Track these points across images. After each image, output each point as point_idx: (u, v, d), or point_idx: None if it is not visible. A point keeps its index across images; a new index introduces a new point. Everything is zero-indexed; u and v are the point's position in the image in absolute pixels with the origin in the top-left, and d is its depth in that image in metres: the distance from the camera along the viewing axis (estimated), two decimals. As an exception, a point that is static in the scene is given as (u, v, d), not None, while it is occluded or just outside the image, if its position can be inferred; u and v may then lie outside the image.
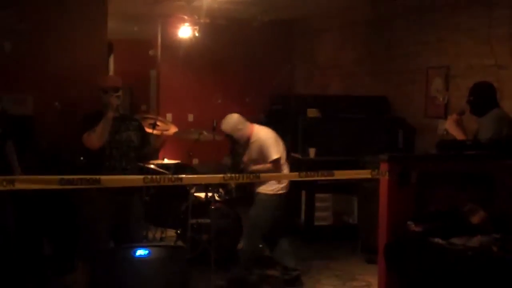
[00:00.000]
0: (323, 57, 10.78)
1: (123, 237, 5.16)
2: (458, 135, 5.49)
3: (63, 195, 5.36)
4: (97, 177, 4.25)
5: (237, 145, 6.31)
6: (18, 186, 3.98)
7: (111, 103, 5.05)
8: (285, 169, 6.13)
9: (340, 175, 4.98)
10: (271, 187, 5.98)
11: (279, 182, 6.01)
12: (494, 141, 5.12)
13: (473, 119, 5.68)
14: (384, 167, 4.66)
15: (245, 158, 6.12)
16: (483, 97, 5.58)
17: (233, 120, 6.04)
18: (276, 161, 5.90)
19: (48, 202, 6.01)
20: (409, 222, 4.37)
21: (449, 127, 5.60)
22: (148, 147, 5.53)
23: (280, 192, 6.05)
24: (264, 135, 6.04)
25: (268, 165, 5.90)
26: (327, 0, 9.22)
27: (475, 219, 4.23)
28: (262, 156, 5.97)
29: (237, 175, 4.96)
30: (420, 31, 7.98)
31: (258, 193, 6.02)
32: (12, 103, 6.58)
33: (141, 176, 4.57)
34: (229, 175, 5.18)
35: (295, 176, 5.17)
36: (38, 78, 6.72)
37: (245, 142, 6.09)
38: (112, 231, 5.14)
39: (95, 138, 5.01)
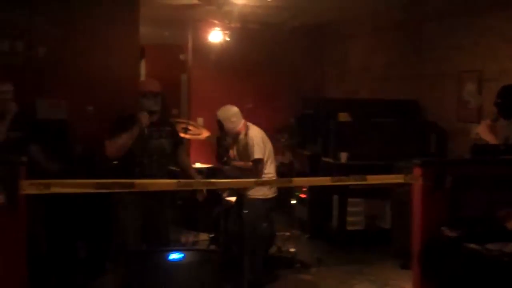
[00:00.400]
0: (354, 61, 10.75)
1: (152, 242, 5.19)
2: (491, 140, 5.45)
3: (96, 198, 5.39)
4: (131, 181, 4.30)
5: (227, 137, 6.32)
6: (54, 189, 4.04)
7: (141, 121, 5.06)
8: (271, 171, 6.13)
9: (373, 180, 4.96)
10: (261, 192, 6.01)
11: (269, 187, 6.04)
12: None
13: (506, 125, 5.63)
14: (417, 171, 4.64)
15: (231, 153, 6.18)
16: (511, 100, 5.55)
17: (230, 111, 6.14)
18: (257, 161, 5.93)
19: (82, 205, 6.07)
20: (443, 227, 4.34)
21: (482, 132, 5.56)
22: (180, 153, 5.55)
23: (270, 196, 6.09)
24: (252, 134, 6.10)
25: (249, 164, 5.95)
26: (358, 5, 9.19)
27: (511, 224, 4.19)
28: (246, 154, 6.03)
29: (270, 180, 4.96)
30: (453, 35, 7.91)
31: (249, 198, 6.02)
32: (47, 107, 6.68)
33: (175, 180, 4.60)
34: (261, 180, 5.21)
35: (327, 181, 5.16)
36: (72, 82, 6.80)
37: (234, 136, 6.16)
38: (143, 235, 5.17)
39: (114, 149, 5.04)
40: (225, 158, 6.23)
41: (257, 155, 5.93)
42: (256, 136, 6.06)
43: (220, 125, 6.16)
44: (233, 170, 6.15)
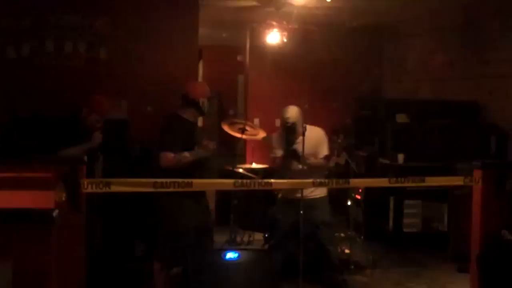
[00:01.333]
0: (412, 61, 10.61)
1: (200, 242, 5.21)
2: None
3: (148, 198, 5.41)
4: (189, 180, 4.35)
5: (291, 137, 6.19)
6: (114, 188, 4.13)
7: (209, 148, 5.08)
8: None
9: (431, 181, 4.91)
10: (323, 189, 6.05)
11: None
12: None
13: None
14: (477, 174, 4.58)
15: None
16: None
17: (297, 110, 6.13)
18: (328, 157, 5.96)
19: (139, 204, 6.16)
20: (503, 231, 4.27)
21: None
22: None
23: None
24: (318, 130, 6.14)
25: (321, 161, 6.00)
26: (416, 5, 9.09)
27: None
28: (314, 151, 6.01)
29: (327, 180, 4.96)
30: (515, 35, 7.76)
31: (314, 198, 5.98)
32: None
33: (232, 180, 4.64)
34: (319, 180, 5.19)
35: (385, 182, 5.12)
36: (132, 83, 6.94)
37: (298, 135, 6.05)
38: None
39: (173, 165, 4.96)
40: (300, 157, 6.09)
41: (327, 151, 5.95)
42: (322, 134, 6.09)
43: (290, 127, 6.03)
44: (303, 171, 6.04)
